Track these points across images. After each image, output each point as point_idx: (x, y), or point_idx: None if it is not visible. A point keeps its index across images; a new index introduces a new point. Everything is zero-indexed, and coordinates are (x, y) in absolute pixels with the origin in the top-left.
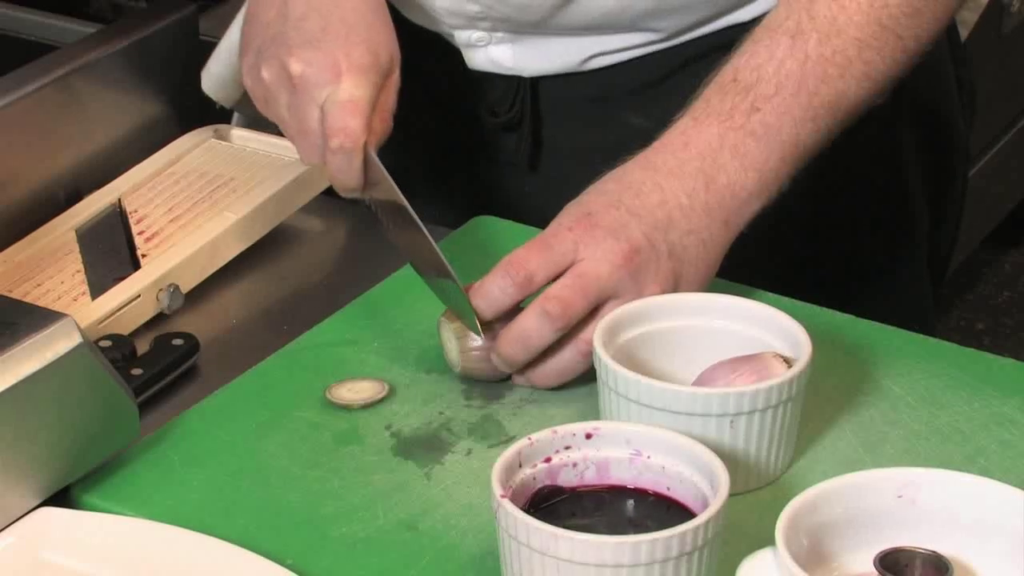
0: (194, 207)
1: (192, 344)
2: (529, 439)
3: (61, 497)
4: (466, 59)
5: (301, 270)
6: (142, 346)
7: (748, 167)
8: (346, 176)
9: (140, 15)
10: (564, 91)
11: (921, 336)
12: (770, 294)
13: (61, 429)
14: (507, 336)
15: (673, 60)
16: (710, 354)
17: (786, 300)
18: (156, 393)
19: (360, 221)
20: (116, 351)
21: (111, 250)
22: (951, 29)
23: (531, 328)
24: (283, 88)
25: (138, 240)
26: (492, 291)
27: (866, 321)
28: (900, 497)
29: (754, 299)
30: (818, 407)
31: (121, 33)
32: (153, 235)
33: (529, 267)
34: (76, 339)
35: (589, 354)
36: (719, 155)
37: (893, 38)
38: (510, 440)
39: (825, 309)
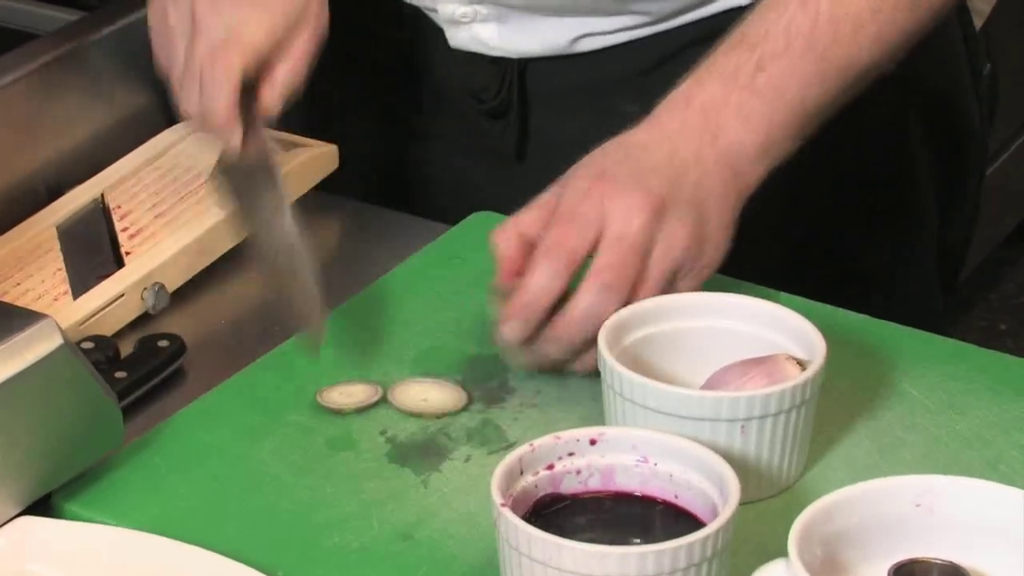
0: (180, 202)
1: (178, 345)
2: (530, 445)
3: (41, 505)
4: (448, 38)
5: None
6: (125, 348)
7: (752, 127)
8: (215, 113)
9: (123, 2)
10: (553, 77)
11: (940, 337)
12: (783, 294)
13: (42, 435)
14: (569, 320)
15: (666, 46)
16: (720, 356)
17: (799, 300)
18: (141, 397)
19: (354, 219)
20: (99, 353)
21: (93, 247)
22: (964, 19)
23: (596, 304)
24: (184, 31)
25: (122, 237)
26: (541, 281)
27: (882, 322)
28: (918, 506)
29: (766, 299)
30: (832, 411)
31: (103, 21)
32: (137, 232)
33: (569, 244)
34: (57, 340)
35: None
36: (722, 114)
37: (906, 3)
38: (511, 446)
39: (839, 309)
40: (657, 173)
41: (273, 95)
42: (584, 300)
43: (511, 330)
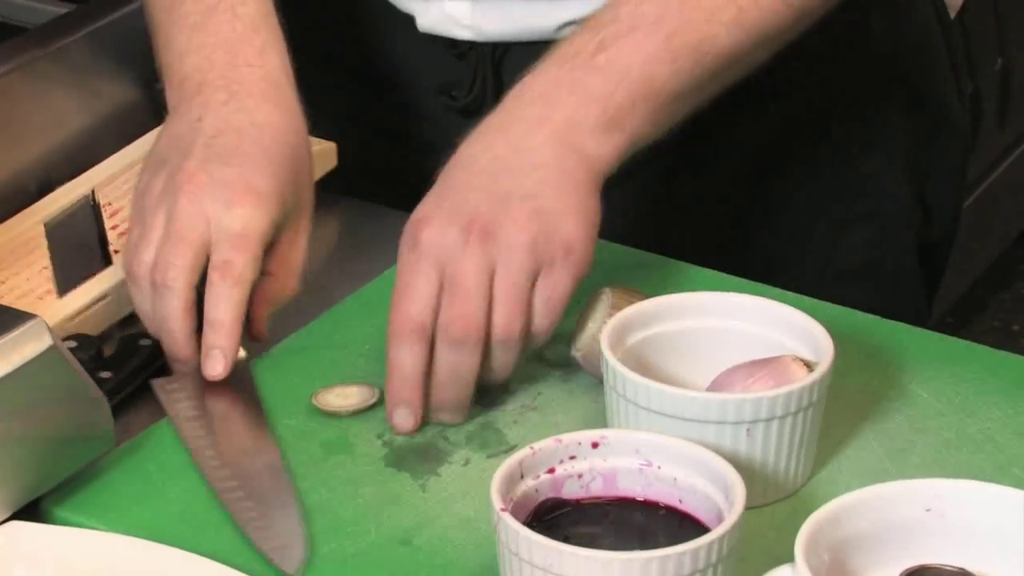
0: None
1: (159, 344)
2: (531, 448)
3: (30, 511)
4: (417, 15)
5: None
6: (107, 347)
7: (589, 100)
8: (214, 316)
9: None
10: (523, 73)
11: (951, 338)
12: (790, 293)
13: (30, 438)
14: (437, 384)
15: None
16: (725, 357)
17: (807, 300)
18: (126, 398)
19: (350, 218)
20: (82, 352)
21: (81, 245)
22: (940, 9)
23: (453, 362)
24: (168, 196)
25: (111, 235)
26: (404, 367)
27: (892, 322)
28: (928, 510)
29: (772, 298)
30: (840, 414)
31: (93, 14)
32: (127, 229)
33: (414, 321)
34: (47, 341)
35: (513, 340)
36: (556, 94)
37: None
38: (511, 449)
39: (848, 309)
40: (470, 188)
41: (261, 309)
42: (441, 361)
43: (402, 419)
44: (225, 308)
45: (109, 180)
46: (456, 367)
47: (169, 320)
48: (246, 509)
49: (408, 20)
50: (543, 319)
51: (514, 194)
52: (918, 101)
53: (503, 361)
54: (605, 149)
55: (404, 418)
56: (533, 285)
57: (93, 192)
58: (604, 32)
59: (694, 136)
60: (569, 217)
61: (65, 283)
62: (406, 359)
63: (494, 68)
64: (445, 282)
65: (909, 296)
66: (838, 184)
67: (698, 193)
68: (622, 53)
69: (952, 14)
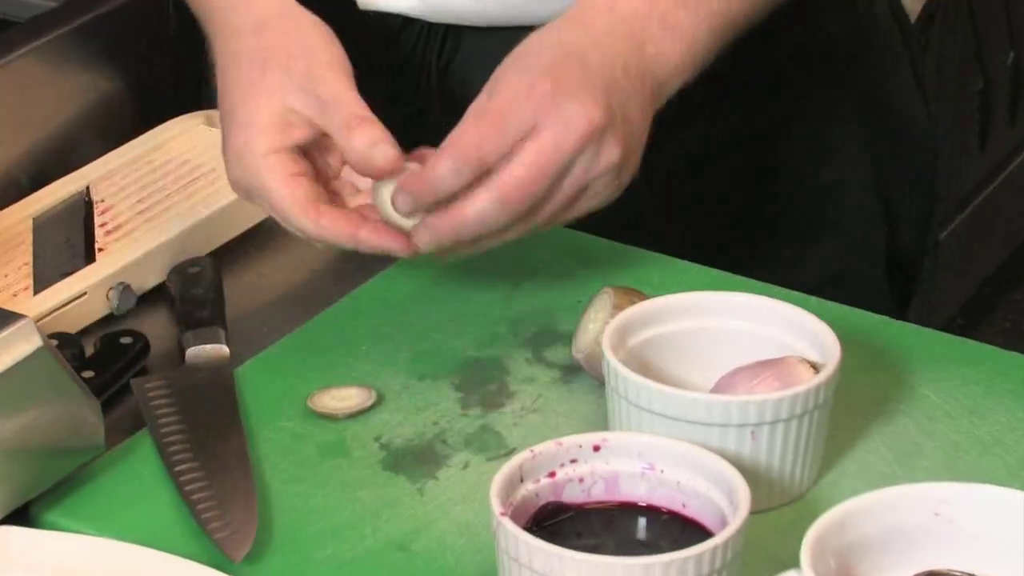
0: (166, 199)
1: (142, 344)
2: (531, 451)
3: (19, 515)
4: None
5: (282, 268)
6: (88, 347)
7: (676, 38)
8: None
9: None
10: (485, 72)
11: (960, 339)
12: (796, 293)
13: (19, 441)
14: (453, 218)
15: None
16: (729, 358)
17: (813, 300)
18: (110, 398)
19: None
20: (64, 351)
21: (66, 242)
22: (899, 14)
23: (487, 215)
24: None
25: (98, 233)
26: (441, 177)
27: (900, 322)
28: (937, 515)
29: (777, 298)
30: (847, 416)
31: (84, 7)
32: (116, 228)
33: (484, 148)
34: (36, 342)
35: (513, 202)
36: (648, 23)
37: None
38: (510, 452)
39: (855, 309)
40: (594, 83)
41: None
42: (476, 206)
43: (402, 201)
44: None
45: (106, 176)
46: (483, 219)
47: None
48: (203, 499)
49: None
50: (566, 213)
51: (618, 110)
52: (877, 110)
53: (521, 228)
54: (674, 87)
55: (404, 201)
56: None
57: (88, 188)
58: None
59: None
60: (638, 153)
61: (43, 280)
62: (446, 177)
63: (440, 74)
64: (535, 143)
65: (875, 309)
66: (801, 193)
67: (695, 193)
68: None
69: (912, 19)
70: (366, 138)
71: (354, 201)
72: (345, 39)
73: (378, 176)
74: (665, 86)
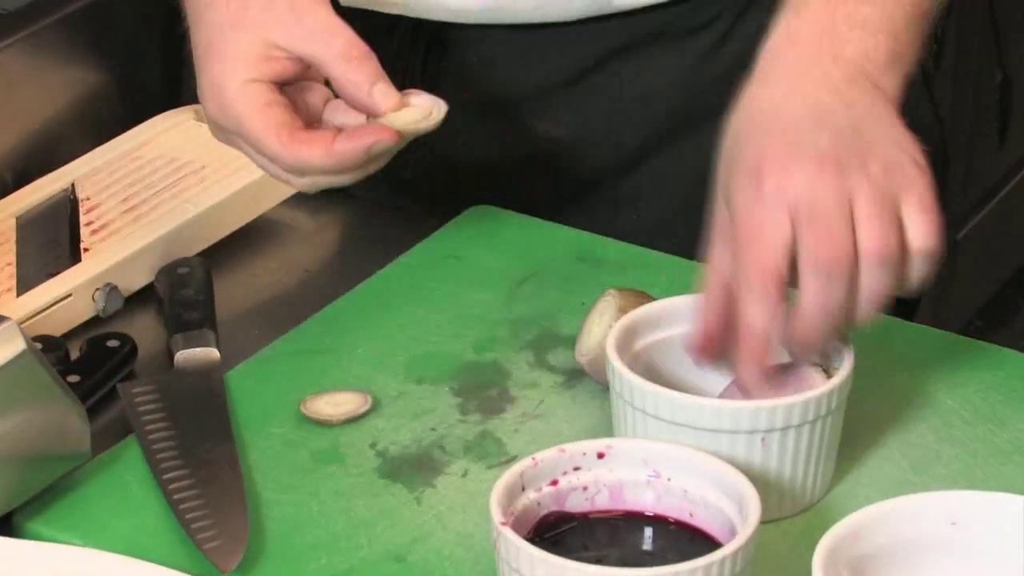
0: (153, 197)
1: (130, 347)
2: (533, 459)
3: (2, 526)
4: None
5: (274, 269)
6: (73, 350)
7: (872, 31)
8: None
9: None
10: (472, 78)
11: (979, 342)
12: None
13: (2, 448)
14: (803, 328)
15: (587, 54)
16: None
17: None
18: (96, 403)
19: (342, 216)
20: (48, 355)
21: (51, 242)
22: None
23: (824, 295)
24: None
25: (84, 232)
26: (758, 325)
27: (916, 325)
28: (953, 524)
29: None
30: (861, 423)
31: None
32: (102, 227)
33: (764, 264)
34: (20, 345)
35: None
36: (835, 31)
37: None
38: (511, 460)
39: None
40: (807, 128)
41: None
42: (809, 295)
43: (752, 377)
44: None
45: (91, 173)
46: (826, 300)
47: None
48: (193, 508)
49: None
50: (930, 233)
51: (847, 130)
52: None
53: (876, 286)
54: (893, 85)
55: (754, 375)
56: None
57: (73, 186)
58: None
59: (685, 133)
60: (906, 142)
61: (27, 281)
62: (760, 316)
63: (424, 77)
64: (801, 216)
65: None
66: None
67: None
68: None
69: None
70: (365, 74)
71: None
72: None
73: (377, 115)
74: (886, 76)
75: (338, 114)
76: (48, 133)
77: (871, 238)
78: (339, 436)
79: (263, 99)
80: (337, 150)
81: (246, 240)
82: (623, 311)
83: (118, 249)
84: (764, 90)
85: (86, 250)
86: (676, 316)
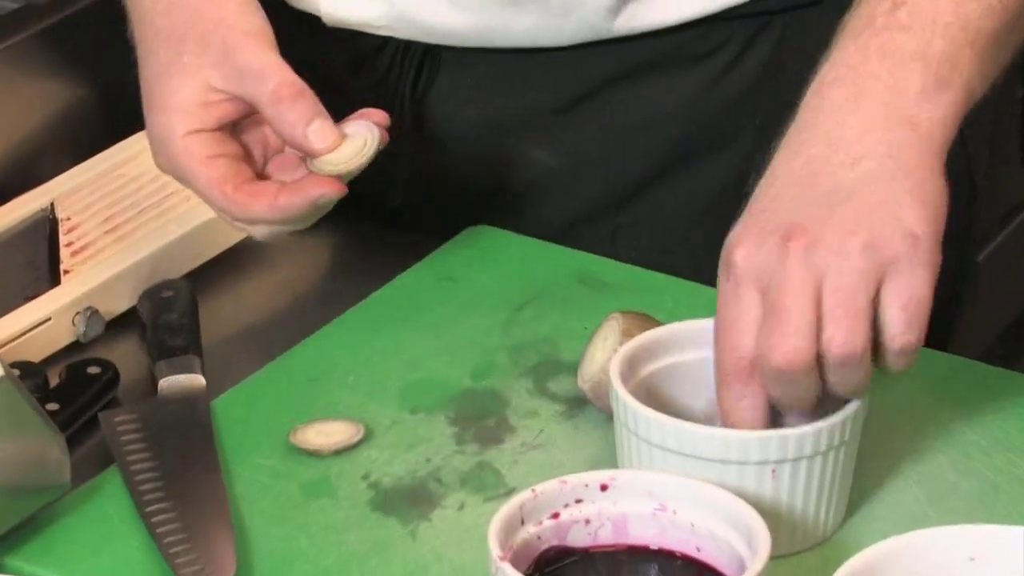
0: (137, 216)
1: (111, 373)
2: (533, 491)
3: None
4: (322, 6)
5: (262, 292)
6: (52, 377)
7: (906, 59)
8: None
9: None
10: (464, 103)
11: (1000, 370)
12: None
13: None
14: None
15: (582, 81)
16: None
17: None
18: (75, 432)
19: (332, 237)
20: (26, 382)
21: (29, 263)
22: None
23: (787, 394)
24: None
25: (64, 253)
26: (743, 417)
27: (933, 351)
28: (972, 559)
29: None
30: (875, 453)
31: (48, 9)
32: (83, 247)
33: (744, 358)
34: None
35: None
36: (864, 66)
37: None
38: (510, 492)
39: None
40: (792, 195)
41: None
42: (773, 393)
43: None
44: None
45: (72, 192)
46: (789, 399)
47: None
48: (177, 542)
49: (313, 22)
50: (907, 330)
51: (836, 195)
52: None
53: (847, 383)
54: (939, 112)
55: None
56: (876, 295)
57: (52, 205)
58: None
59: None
60: (907, 207)
61: (3, 305)
62: (745, 408)
63: (413, 101)
64: (766, 302)
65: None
66: None
67: (708, 209)
68: (918, 7)
69: None
70: (299, 113)
71: (301, 173)
72: (311, 64)
73: (314, 156)
74: (921, 109)
75: (284, 172)
76: (26, 150)
77: (832, 340)
78: (330, 467)
79: (206, 151)
80: (281, 204)
81: (233, 262)
82: (627, 336)
83: (99, 271)
84: (781, 153)
85: (66, 272)
86: (683, 341)
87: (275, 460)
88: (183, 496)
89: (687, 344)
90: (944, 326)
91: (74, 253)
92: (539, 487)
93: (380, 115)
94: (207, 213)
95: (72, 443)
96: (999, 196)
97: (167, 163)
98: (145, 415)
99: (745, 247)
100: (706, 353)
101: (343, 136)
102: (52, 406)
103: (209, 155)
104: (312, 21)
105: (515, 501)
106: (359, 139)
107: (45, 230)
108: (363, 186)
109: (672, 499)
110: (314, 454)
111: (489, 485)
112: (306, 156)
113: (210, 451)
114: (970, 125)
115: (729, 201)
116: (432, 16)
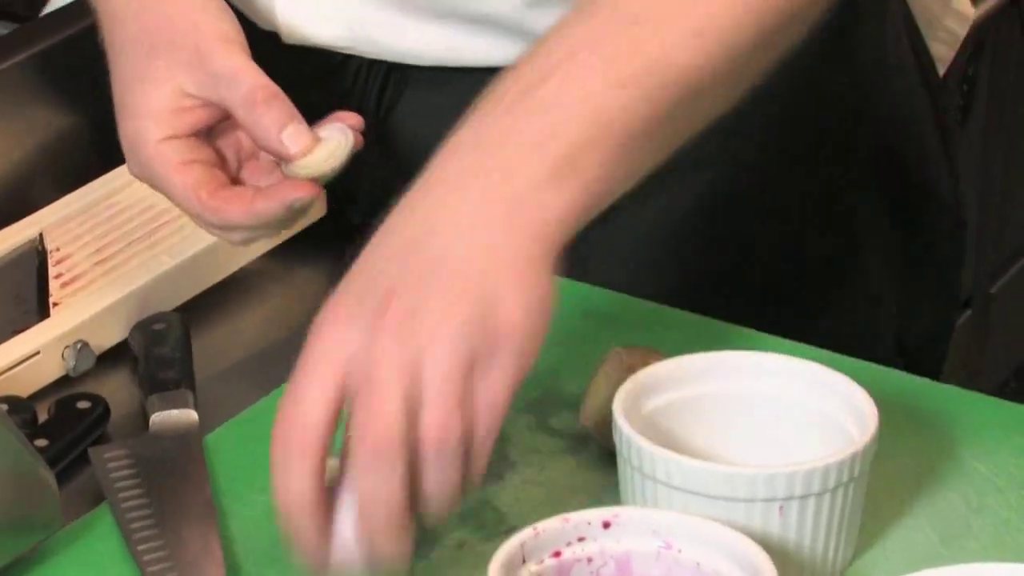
0: (128, 248)
1: (102, 408)
2: (534, 529)
3: None
4: (279, 15)
5: (257, 325)
6: (41, 412)
7: (528, 146)
8: None
9: (60, 14)
10: (432, 123)
11: (1014, 404)
12: (826, 352)
13: None
14: (363, 520)
15: None
16: (755, 425)
17: (848, 360)
18: (64, 469)
19: (328, 267)
20: (14, 417)
21: (17, 296)
22: (924, 63)
23: (371, 487)
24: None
25: (53, 285)
26: (293, 496)
27: (945, 386)
28: None
29: (808, 358)
30: (886, 490)
31: (36, 35)
32: (73, 279)
33: (302, 432)
34: None
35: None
36: (489, 141)
37: None
38: (511, 530)
39: (896, 371)
40: (397, 260)
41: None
42: (357, 486)
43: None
44: None
45: (62, 222)
46: (375, 492)
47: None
48: None
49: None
50: (480, 429)
51: (442, 266)
52: (891, 174)
53: (440, 481)
54: (555, 204)
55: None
56: (468, 384)
57: (41, 236)
58: (539, 63)
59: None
60: (510, 297)
61: None
62: (296, 484)
63: (379, 119)
64: (353, 384)
65: None
66: (791, 270)
67: (674, 233)
68: (561, 86)
69: (942, 69)
70: (273, 118)
71: (275, 177)
72: (273, 79)
73: (289, 160)
74: (530, 207)
75: (258, 176)
76: (15, 178)
77: (430, 423)
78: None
79: (180, 157)
80: (256, 209)
81: (227, 294)
82: (631, 370)
83: (90, 303)
84: (398, 209)
85: (55, 304)
86: (689, 376)
87: (267, 498)
88: (175, 535)
89: (694, 378)
90: (956, 358)
91: (64, 285)
92: (540, 525)
93: (354, 118)
94: (200, 244)
95: (62, 480)
96: (1011, 229)
97: (140, 170)
98: (137, 451)
99: (333, 319)
100: (713, 388)
101: (317, 139)
102: (41, 442)
103: (183, 161)
104: (273, 37)
105: (516, 539)
106: (332, 142)
107: (34, 261)
108: (329, 202)
109: (677, 537)
110: None
111: (489, 523)
112: (280, 160)
113: (203, 488)
114: (952, 159)
115: (695, 224)
116: (394, 36)
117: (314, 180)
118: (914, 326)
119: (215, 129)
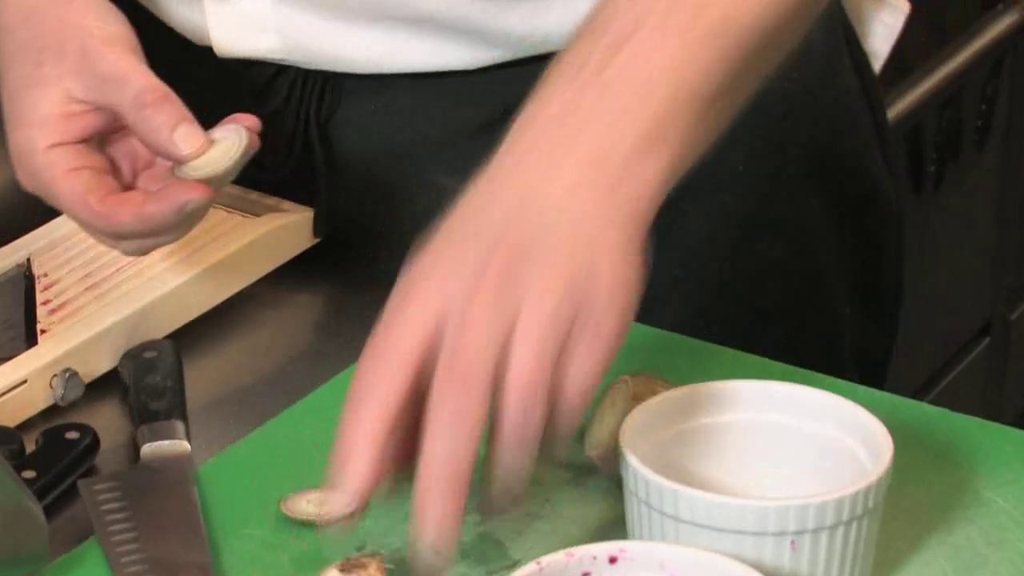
0: (117, 274)
1: (91, 438)
2: (538, 563)
3: None
4: (212, 26)
5: (251, 353)
6: (29, 443)
7: (617, 116)
8: None
9: None
10: (370, 129)
11: None
12: (841, 381)
13: None
14: (425, 482)
15: (495, 104)
16: (766, 456)
17: (861, 389)
18: (53, 501)
19: (324, 293)
20: (1, 447)
21: (4, 323)
22: (859, 61)
23: (445, 453)
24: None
25: (41, 311)
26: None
27: (961, 415)
28: None
29: (820, 387)
30: (901, 524)
31: None
32: (61, 306)
33: (397, 347)
34: None
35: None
36: (575, 116)
37: None
38: (514, 565)
39: (911, 400)
40: (489, 236)
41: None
42: (431, 455)
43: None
44: None
45: (49, 247)
46: (456, 416)
47: None
48: None
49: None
50: (565, 411)
51: (545, 238)
52: (834, 173)
53: (519, 431)
54: (648, 177)
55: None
56: (559, 344)
57: (28, 261)
58: (609, 34)
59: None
60: (607, 274)
61: None
62: (377, 401)
63: (319, 126)
64: (449, 325)
65: None
66: (750, 276)
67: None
68: (638, 55)
69: (877, 66)
70: (163, 119)
71: None
72: (207, 93)
73: (182, 161)
74: (626, 181)
75: (155, 185)
76: (1, 203)
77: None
78: (323, 539)
79: (69, 164)
80: (147, 213)
81: (219, 321)
82: (638, 399)
83: (78, 331)
84: (475, 193)
85: (43, 332)
86: (697, 405)
87: (265, 531)
88: (167, 569)
89: (702, 408)
90: (973, 387)
91: (52, 312)
92: (544, 559)
93: (250, 119)
94: (191, 270)
95: (50, 512)
96: None
97: (29, 179)
98: (126, 483)
99: (426, 285)
100: (723, 418)
101: (211, 141)
102: (28, 473)
103: (71, 168)
104: (208, 52)
105: (519, 575)
106: (226, 142)
107: (21, 287)
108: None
109: (685, 572)
110: (306, 524)
111: (492, 558)
112: (174, 163)
113: (195, 521)
114: (887, 154)
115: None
116: (328, 44)
117: (207, 182)
118: (869, 327)
119: (108, 138)
